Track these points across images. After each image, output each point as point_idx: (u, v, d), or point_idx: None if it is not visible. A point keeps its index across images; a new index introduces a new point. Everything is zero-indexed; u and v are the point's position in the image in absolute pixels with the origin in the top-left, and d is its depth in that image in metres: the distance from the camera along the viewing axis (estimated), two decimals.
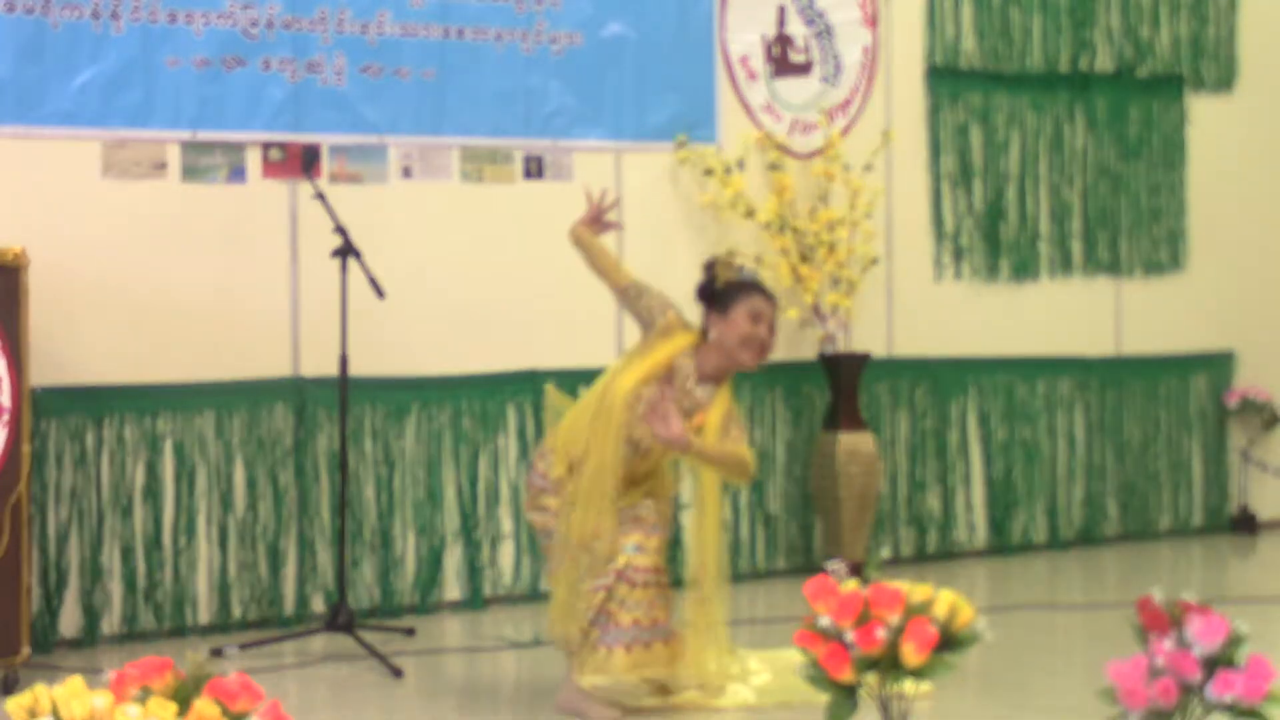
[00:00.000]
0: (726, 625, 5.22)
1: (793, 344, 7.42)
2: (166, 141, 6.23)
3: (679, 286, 7.19)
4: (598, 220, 5.40)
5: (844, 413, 7.32)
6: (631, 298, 5.24)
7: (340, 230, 5.96)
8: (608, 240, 5.54)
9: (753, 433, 7.39)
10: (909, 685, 3.52)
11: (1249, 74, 8.66)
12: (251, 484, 6.36)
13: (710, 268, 5.26)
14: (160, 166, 6.23)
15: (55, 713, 2.86)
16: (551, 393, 5.48)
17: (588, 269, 5.36)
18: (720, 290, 5.16)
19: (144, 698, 2.91)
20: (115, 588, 6.13)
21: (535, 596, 6.77)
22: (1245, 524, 8.60)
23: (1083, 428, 8.25)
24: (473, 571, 6.76)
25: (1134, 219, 8.36)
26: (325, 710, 5.27)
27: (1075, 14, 8.15)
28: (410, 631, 6.29)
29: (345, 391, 6.07)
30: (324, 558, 6.44)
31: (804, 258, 7.27)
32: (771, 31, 7.44)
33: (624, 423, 5.05)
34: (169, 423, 6.23)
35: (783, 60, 7.47)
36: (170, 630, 6.21)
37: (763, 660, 5.44)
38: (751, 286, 5.16)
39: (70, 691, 2.89)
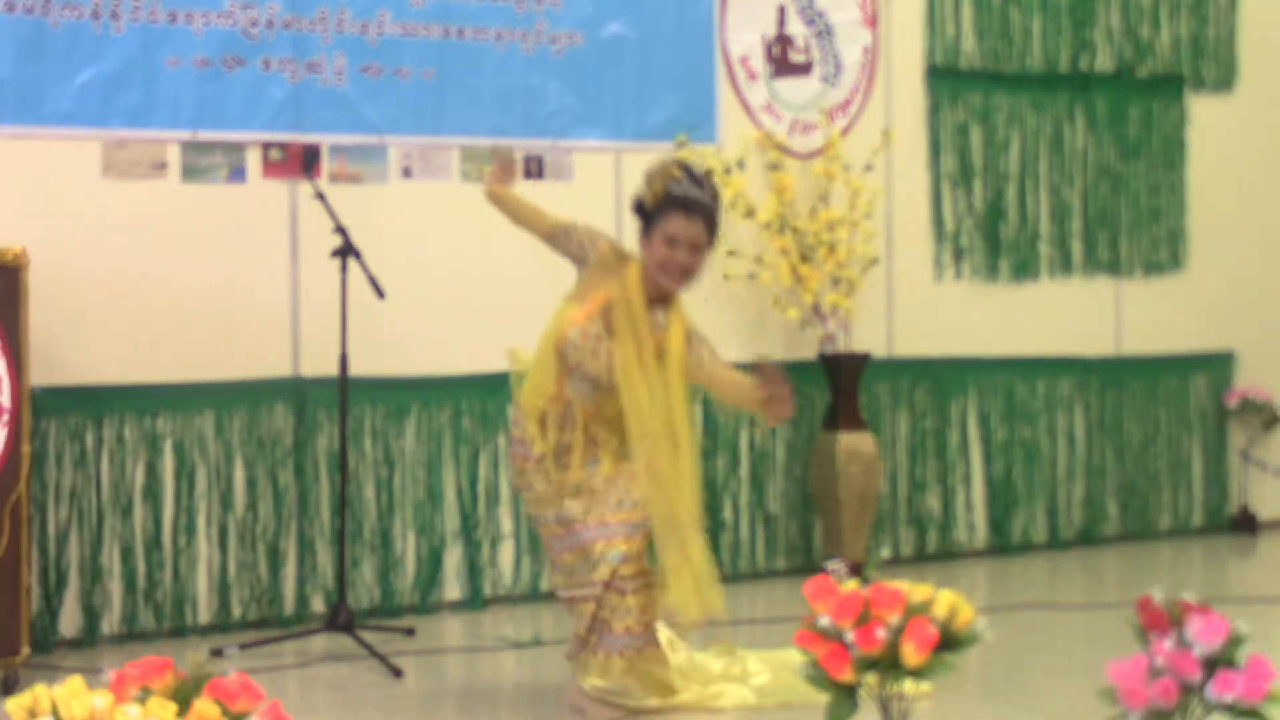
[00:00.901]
0: (711, 564, 5.09)
1: (793, 344, 7.42)
2: (166, 141, 6.23)
3: None
4: (509, 175, 5.38)
5: (844, 413, 7.32)
6: (560, 240, 5.16)
7: (340, 230, 5.96)
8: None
9: (753, 433, 7.39)
10: (909, 685, 3.51)
11: (1249, 74, 8.66)
12: (251, 484, 6.36)
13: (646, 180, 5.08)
14: (160, 166, 6.23)
15: (55, 713, 2.86)
16: (515, 355, 5.35)
17: (513, 225, 5.33)
18: (648, 210, 5.02)
19: (144, 698, 2.91)
20: (115, 588, 6.13)
21: (535, 596, 6.77)
22: (1245, 524, 8.60)
23: (1083, 428, 8.25)
24: (473, 571, 6.76)
25: (1134, 219, 8.37)
26: (325, 710, 5.27)
27: (1075, 14, 8.15)
28: (410, 631, 6.29)
29: (345, 391, 6.07)
30: (324, 558, 6.44)
31: (804, 258, 7.27)
32: (771, 31, 7.44)
33: (577, 362, 4.99)
34: (169, 423, 6.23)
35: (783, 60, 7.47)
36: (170, 630, 6.21)
37: (762, 660, 5.43)
38: (675, 205, 4.96)
39: (70, 691, 2.89)
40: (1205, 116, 8.54)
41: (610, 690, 5.01)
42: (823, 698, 3.53)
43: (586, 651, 5.01)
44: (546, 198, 6.82)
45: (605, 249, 5.09)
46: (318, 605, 6.43)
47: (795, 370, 7.42)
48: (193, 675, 2.97)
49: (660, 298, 5.03)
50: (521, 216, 5.29)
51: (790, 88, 7.47)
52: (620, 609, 4.95)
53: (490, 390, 6.78)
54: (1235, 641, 3.26)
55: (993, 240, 7.99)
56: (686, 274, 5.00)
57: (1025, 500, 8.06)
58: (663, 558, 4.99)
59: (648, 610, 4.99)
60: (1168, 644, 3.26)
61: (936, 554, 7.80)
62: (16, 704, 2.90)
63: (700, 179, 5.05)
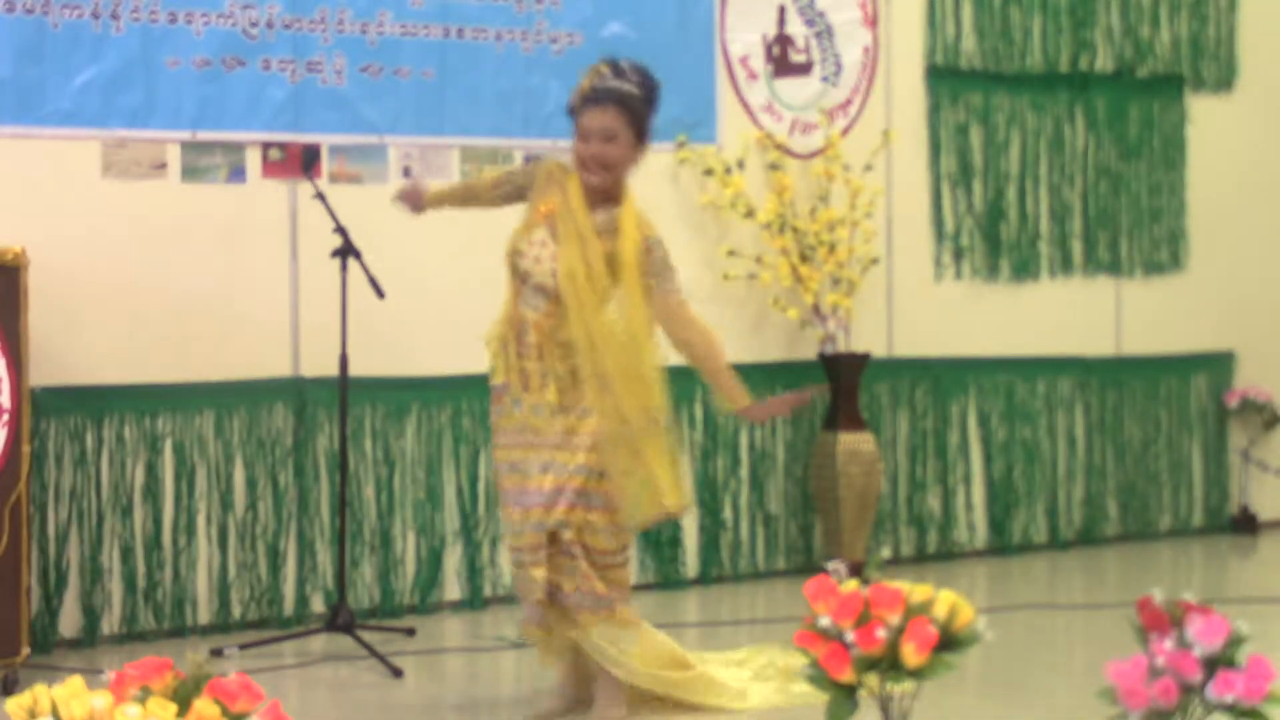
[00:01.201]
0: (670, 464, 4.95)
1: (793, 344, 7.42)
2: (166, 141, 6.23)
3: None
4: (416, 205, 5.33)
5: (844, 413, 7.32)
6: (505, 184, 5.11)
7: (340, 230, 5.96)
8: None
9: (753, 433, 7.39)
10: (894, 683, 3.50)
11: (1249, 74, 8.66)
12: (251, 484, 6.36)
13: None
14: (160, 166, 6.23)
15: (55, 713, 2.86)
16: None
17: (465, 210, 5.33)
18: (572, 113, 4.97)
19: (144, 698, 2.90)
20: (115, 588, 6.13)
21: None
22: (1245, 524, 8.60)
23: (1083, 428, 8.25)
24: (473, 571, 6.76)
25: (1134, 219, 8.37)
26: (325, 710, 5.27)
27: (1075, 14, 8.15)
28: (410, 631, 6.29)
29: (345, 391, 6.07)
30: (324, 558, 6.44)
31: (804, 258, 7.27)
32: (771, 31, 7.44)
33: (525, 272, 4.90)
34: (169, 423, 6.23)
35: (783, 60, 7.47)
36: (170, 630, 6.22)
37: (739, 663, 5.35)
38: (587, 100, 4.91)
39: (70, 691, 2.89)
40: (1205, 116, 8.54)
41: (602, 652, 4.93)
42: (799, 695, 3.52)
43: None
44: None
45: (549, 163, 5.04)
46: (318, 605, 6.43)
47: (795, 370, 7.43)
48: (193, 675, 2.97)
49: (599, 198, 4.92)
50: (463, 199, 5.30)
51: (790, 88, 7.47)
52: (567, 568, 4.88)
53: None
54: (1236, 642, 3.26)
55: (993, 240, 7.99)
56: (601, 164, 4.88)
57: (1025, 500, 8.06)
58: (611, 465, 4.87)
59: (592, 579, 4.86)
60: (1168, 644, 3.25)
61: (936, 554, 7.80)
62: (16, 704, 2.90)
63: (625, 71, 4.97)
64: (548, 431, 4.91)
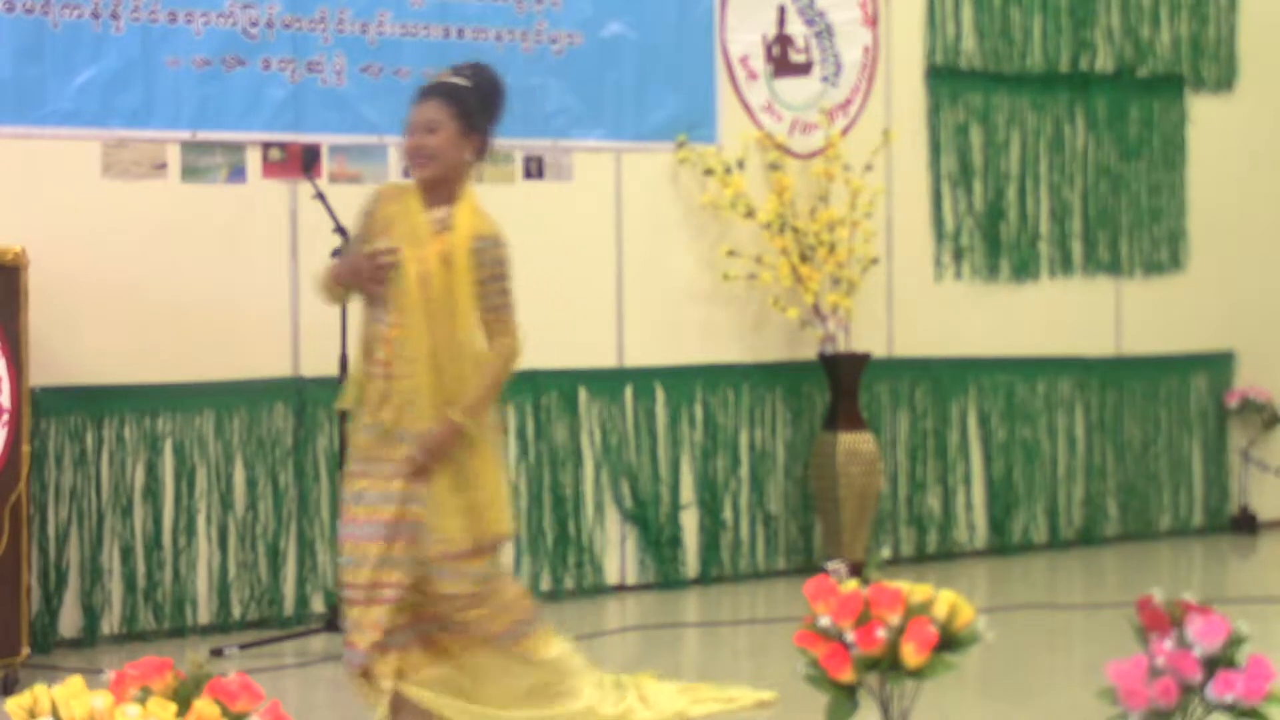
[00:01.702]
0: (468, 491, 4.48)
1: (793, 344, 7.42)
2: (166, 141, 6.23)
3: (678, 286, 7.21)
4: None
5: (844, 413, 7.32)
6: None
7: (340, 230, 5.95)
8: None
9: (753, 433, 7.39)
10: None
11: (1249, 74, 8.66)
12: (251, 484, 6.36)
13: None
14: (160, 166, 6.23)
15: (55, 713, 2.86)
16: None
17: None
18: None
19: (144, 698, 2.90)
20: (115, 588, 6.13)
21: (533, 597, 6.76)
22: (1245, 524, 8.60)
23: (1083, 428, 8.25)
24: None
25: (1134, 219, 8.37)
26: (325, 710, 5.26)
27: (1075, 14, 8.15)
28: None
29: None
30: (324, 558, 6.43)
31: (804, 258, 7.27)
32: (771, 31, 7.44)
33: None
34: (169, 423, 6.23)
35: (783, 60, 7.46)
36: (170, 630, 6.21)
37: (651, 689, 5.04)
38: (416, 98, 4.67)
39: (70, 691, 2.89)
40: (1205, 116, 8.54)
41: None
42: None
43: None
44: (546, 197, 6.85)
45: (387, 186, 4.87)
46: (318, 605, 6.42)
47: (795, 370, 7.43)
48: (193, 675, 2.97)
49: (436, 199, 4.62)
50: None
51: (790, 88, 7.47)
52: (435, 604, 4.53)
53: None
54: (1235, 641, 3.26)
55: (993, 240, 7.99)
56: (422, 155, 4.60)
57: (1025, 500, 8.06)
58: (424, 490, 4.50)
59: (467, 611, 4.55)
60: (1168, 644, 3.25)
61: (936, 554, 7.80)
62: (16, 704, 2.90)
63: (462, 68, 4.75)
64: (393, 458, 4.50)
